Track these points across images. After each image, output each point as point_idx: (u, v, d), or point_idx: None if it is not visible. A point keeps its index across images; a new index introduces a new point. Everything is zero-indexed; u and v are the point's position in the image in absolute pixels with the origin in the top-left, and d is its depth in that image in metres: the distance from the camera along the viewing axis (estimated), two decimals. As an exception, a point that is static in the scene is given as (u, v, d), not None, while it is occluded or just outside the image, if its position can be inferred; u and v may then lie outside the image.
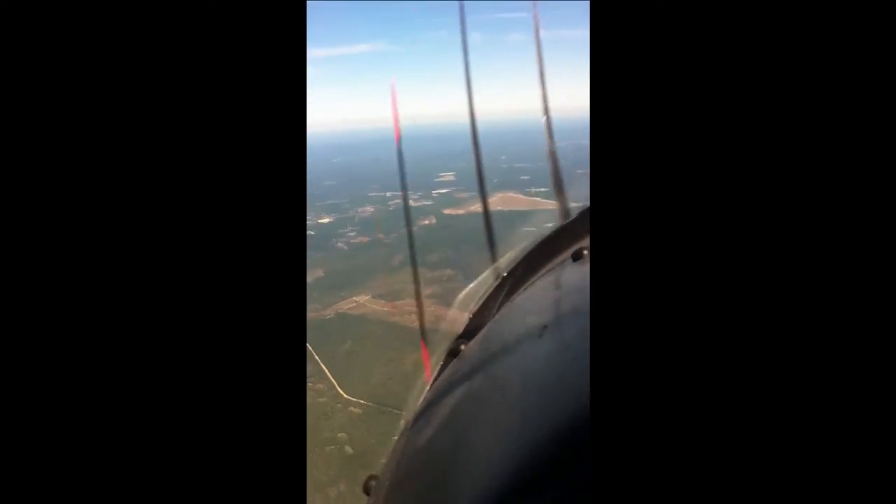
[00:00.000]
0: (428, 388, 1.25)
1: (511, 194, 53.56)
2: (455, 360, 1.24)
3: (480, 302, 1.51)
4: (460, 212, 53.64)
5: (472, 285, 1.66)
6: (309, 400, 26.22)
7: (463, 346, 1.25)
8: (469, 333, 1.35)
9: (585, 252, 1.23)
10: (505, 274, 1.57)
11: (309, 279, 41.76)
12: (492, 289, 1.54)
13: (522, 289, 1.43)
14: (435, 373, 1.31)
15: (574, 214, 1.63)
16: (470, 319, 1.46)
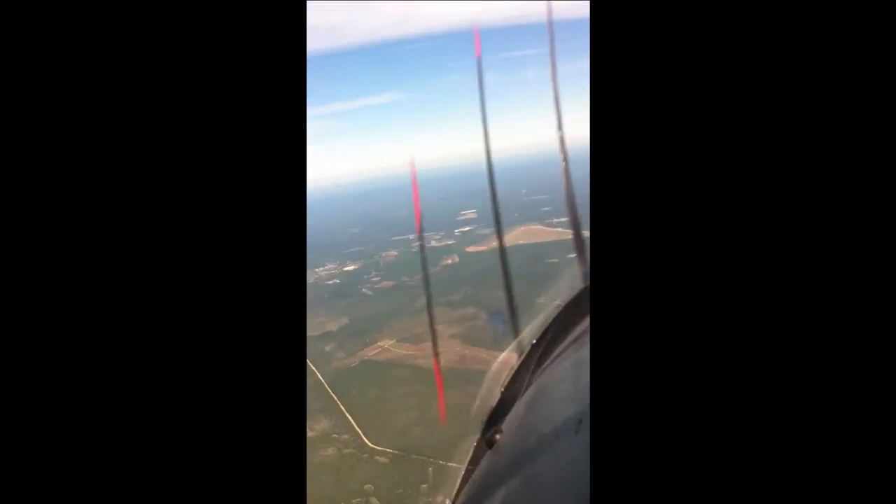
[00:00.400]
0: (462, 473, 1.24)
1: (533, 227, 53.69)
2: (490, 451, 1.21)
3: (510, 375, 1.48)
4: (483, 248, 53.85)
5: (502, 356, 1.65)
6: (334, 451, 25.81)
7: (498, 436, 1.22)
8: (501, 412, 1.32)
9: None
10: (534, 342, 1.54)
11: (334, 327, 42.26)
12: (520, 361, 1.51)
13: (550, 359, 1.41)
14: (469, 454, 1.29)
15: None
16: (502, 394, 1.42)
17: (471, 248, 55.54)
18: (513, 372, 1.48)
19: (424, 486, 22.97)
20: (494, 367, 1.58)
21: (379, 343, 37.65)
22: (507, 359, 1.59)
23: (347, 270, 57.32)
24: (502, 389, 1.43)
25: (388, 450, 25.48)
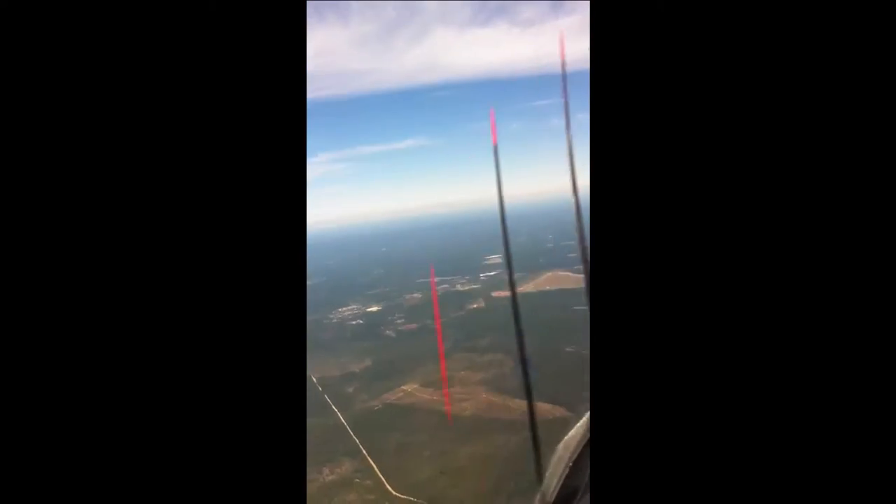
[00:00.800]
0: None
1: (560, 272, 53.13)
2: None
3: (571, 461, 1.46)
4: (509, 293, 52.87)
5: (566, 437, 1.61)
6: (356, 498, 25.04)
7: None
8: (564, 498, 1.29)
9: None
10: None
11: (357, 368, 41.89)
12: (579, 449, 1.49)
13: None
14: None
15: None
16: (563, 482, 1.39)
17: (496, 293, 55.08)
18: (574, 457, 1.46)
19: None
20: (561, 444, 1.54)
21: (402, 387, 37.11)
22: (567, 442, 1.53)
23: (371, 311, 57.31)
24: (570, 465, 1.40)
25: (411, 498, 24.66)
